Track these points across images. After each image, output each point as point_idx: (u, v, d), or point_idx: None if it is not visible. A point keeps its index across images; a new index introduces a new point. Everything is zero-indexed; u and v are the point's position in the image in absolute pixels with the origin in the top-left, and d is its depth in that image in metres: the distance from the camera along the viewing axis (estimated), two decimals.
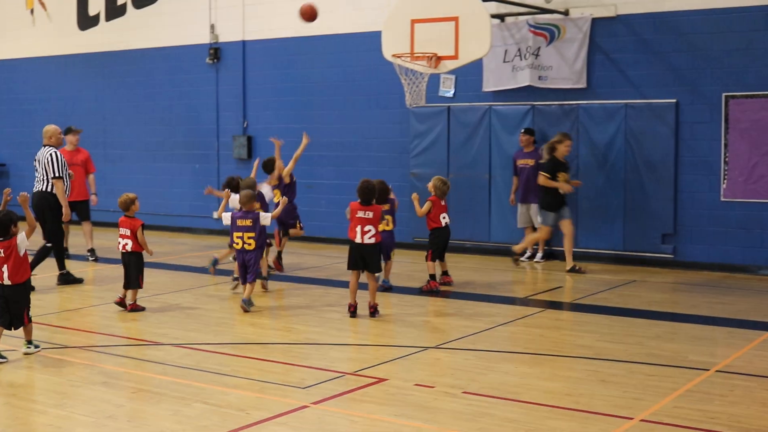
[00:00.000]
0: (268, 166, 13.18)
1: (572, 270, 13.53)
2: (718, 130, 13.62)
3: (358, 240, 10.51)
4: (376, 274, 10.74)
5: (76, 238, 15.72)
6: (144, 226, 11.04)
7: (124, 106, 19.94)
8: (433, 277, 12.31)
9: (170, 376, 8.06)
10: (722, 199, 13.65)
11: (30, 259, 9.10)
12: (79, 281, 12.88)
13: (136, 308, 10.93)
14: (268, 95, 17.93)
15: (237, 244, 11.05)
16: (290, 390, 7.62)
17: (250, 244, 10.98)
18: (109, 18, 19.98)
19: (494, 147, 15.35)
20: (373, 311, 10.53)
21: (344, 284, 12.05)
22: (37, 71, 21.34)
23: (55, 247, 12.64)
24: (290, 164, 13.03)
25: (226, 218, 11.18)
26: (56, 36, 20.87)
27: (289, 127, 17.58)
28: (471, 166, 15.52)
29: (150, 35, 19.31)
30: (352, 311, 10.57)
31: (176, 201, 19.14)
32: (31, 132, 21.05)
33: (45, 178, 12.49)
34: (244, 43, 18.10)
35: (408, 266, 14.08)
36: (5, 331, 8.76)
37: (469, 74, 15.14)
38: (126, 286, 11.00)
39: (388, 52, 13.45)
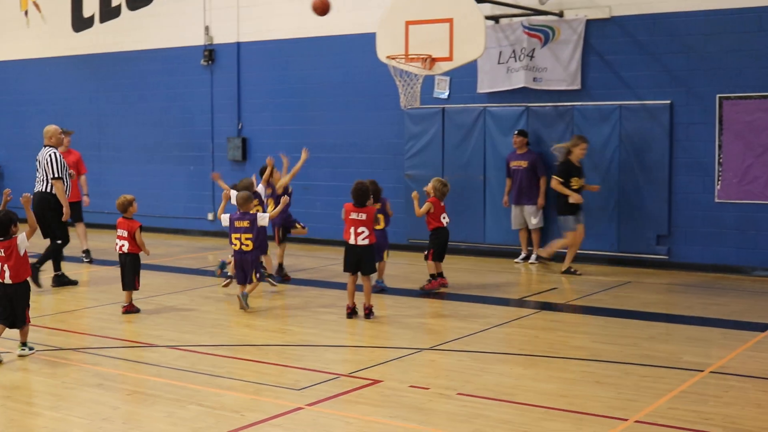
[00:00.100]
0: (264, 173, 13.10)
1: (567, 271, 13.54)
2: (712, 132, 13.64)
3: (351, 241, 10.55)
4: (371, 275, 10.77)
5: (70, 240, 15.66)
6: (141, 228, 11.07)
7: (119, 107, 19.93)
8: (434, 276, 12.33)
9: (165, 378, 8.06)
10: (716, 200, 13.67)
11: (33, 260, 9.10)
12: (74, 283, 12.87)
13: (131, 310, 10.91)
14: (262, 97, 17.92)
15: (235, 245, 11.10)
16: (285, 392, 7.62)
17: (247, 245, 11.01)
18: (103, 20, 19.96)
19: (489, 148, 15.36)
20: (369, 313, 10.54)
21: (340, 286, 12.07)
22: (31, 73, 21.31)
23: (62, 246, 12.72)
24: (287, 177, 12.74)
25: (225, 219, 11.23)
26: (51, 37, 20.84)
27: (284, 129, 17.60)
28: (466, 167, 15.53)
29: (144, 37, 19.30)
30: (350, 312, 10.58)
31: (171, 203, 19.12)
32: (26, 134, 21.06)
33: (45, 178, 12.50)
34: (238, 44, 18.10)
35: (403, 267, 14.08)
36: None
37: (464, 76, 15.14)
38: (123, 288, 11.04)
39: (382, 54, 13.45)
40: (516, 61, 14.96)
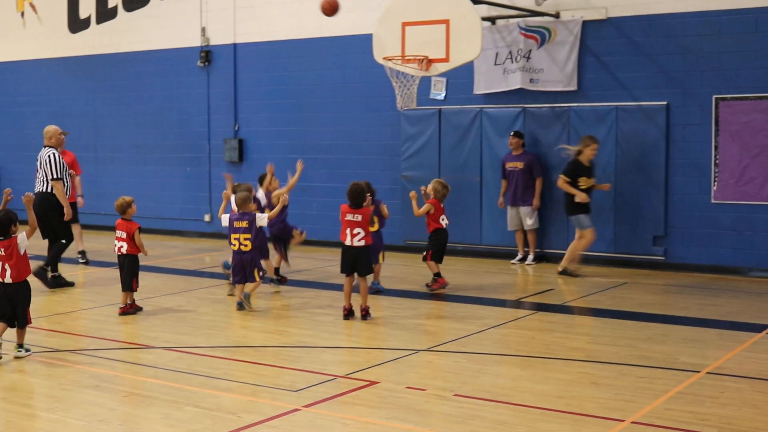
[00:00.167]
0: (262, 180, 13.01)
1: (563, 272, 13.53)
2: (708, 133, 13.66)
3: (348, 243, 10.56)
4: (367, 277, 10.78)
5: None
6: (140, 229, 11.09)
7: (115, 108, 19.91)
8: (438, 274, 12.33)
9: (162, 380, 8.06)
10: (713, 201, 13.68)
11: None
12: (71, 285, 12.86)
13: (127, 311, 10.90)
14: (259, 98, 17.92)
15: (234, 245, 11.12)
16: (282, 393, 7.62)
17: (246, 245, 11.03)
18: (99, 21, 19.95)
19: (485, 149, 15.36)
20: (365, 314, 10.54)
21: (336, 287, 12.08)
22: (27, 74, 21.29)
23: (67, 245, 12.76)
24: (283, 190, 12.40)
25: (225, 219, 11.28)
26: (47, 39, 20.83)
27: (280, 130, 17.60)
28: (462, 168, 15.53)
29: (141, 38, 19.29)
30: (346, 314, 10.58)
31: (167, 204, 19.11)
32: (23, 135, 21.05)
33: (45, 179, 12.51)
34: (235, 46, 18.09)
35: (400, 269, 14.09)
36: None
37: (460, 77, 15.15)
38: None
39: (379, 55, 13.46)
40: (512, 62, 14.97)
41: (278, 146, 17.55)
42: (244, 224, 11.05)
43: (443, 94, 15.78)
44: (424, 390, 7.67)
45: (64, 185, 12.54)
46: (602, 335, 9.84)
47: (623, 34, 14.24)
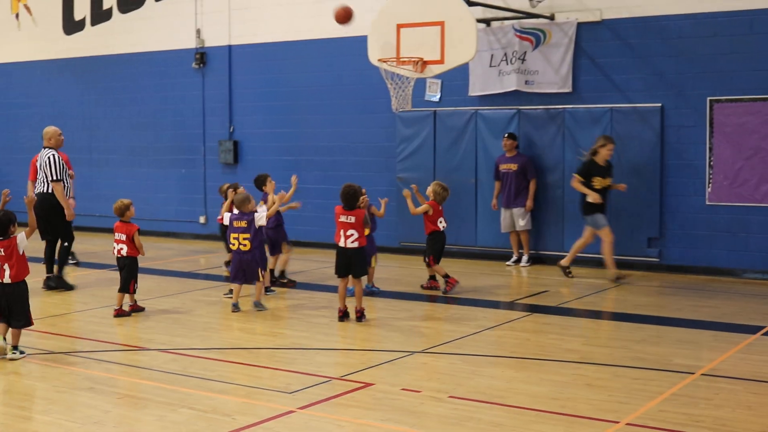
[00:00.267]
0: (259, 182, 12.94)
1: (564, 269, 13.48)
2: (703, 134, 13.68)
3: (342, 244, 10.57)
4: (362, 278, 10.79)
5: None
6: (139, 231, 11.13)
7: (110, 110, 19.90)
8: (447, 276, 12.32)
9: (156, 382, 8.05)
10: (707, 202, 13.71)
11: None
12: (70, 287, 12.86)
13: (121, 313, 10.90)
14: (254, 100, 17.91)
15: (233, 244, 11.17)
16: (277, 395, 7.62)
17: (245, 245, 11.08)
18: (94, 23, 19.93)
19: (480, 151, 15.37)
20: (360, 316, 10.54)
21: (331, 288, 12.08)
22: (22, 76, 21.26)
23: (70, 246, 12.82)
24: (273, 208, 12.25)
25: (227, 218, 11.35)
26: (42, 41, 20.80)
27: (275, 132, 17.60)
28: (457, 170, 15.53)
29: (136, 40, 19.28)
30: (341, 316, 10.58)
31: (162, 206, 19.09)
32: (18, 137, 21.03)
33: (46, 180, 12.51)
34: (230, 47, 18.08)
35: (395, 270, 14.09)
36: None
37: (456, 79, 15.16)
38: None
39: (374, 57, 13.45)
40: (507, 64, 14.98)
41: (273, 148, 17.55)
42: (243, 224, 11.12)
43: (438, 96, 15.79)
44: (419, 392, 7.67)
45: (65, 186, 12.55)
46: (597, 337, 9.85)
47: (618, 36, 14.26)
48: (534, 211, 14.78)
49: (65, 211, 12.51)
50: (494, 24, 15.10)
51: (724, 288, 12.82)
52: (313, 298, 12.13)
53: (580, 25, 14.47)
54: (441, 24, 12.72)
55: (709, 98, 13.58)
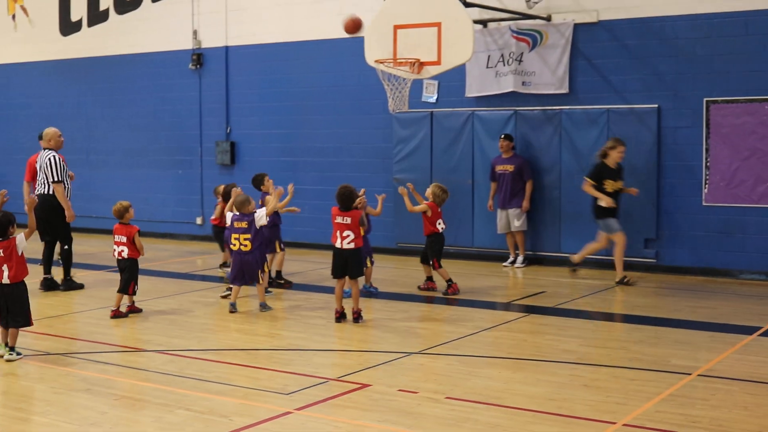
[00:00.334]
0: (257, 182, 12.93)
1: (573, 266, 13.64)
2: (699, 135, 13.69)
3: (338, 245, 10.57)
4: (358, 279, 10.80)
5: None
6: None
7: (107, 111, 19.89)
8: (450, 280, 12.31)
9: (153, 383, 8.05)
10: (704, 203, 13.72)
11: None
12: (68, 288, 12.86)
13: (118, 315, 10.91)
14: (251, 101, 17.91)
15: (234, 245, 11.20)
16: (274, 396, 7.62)
17: (246, 245, 11.12)
18: (91, 24, 19.92)
19: (477, 152, 15.38)
20: (357, 317, 10.55)
21: (328, 290, 12.08)
22: (19, 77, 21.25)
23: (70, 248, 12.82)
24: (272, 204, 12.19)
25: (229, 218, 11.40)
26: (38, 42, 20.78)
27: (272, 132, 17.59)
28: (454, 171, 15.53)
29: (133, 41, 19.26)
30: (338, 317, 10.59)
31: (159, 207, 19.08)
32: (14, 138, 21.01)
33: (46, 181, 12.51)
34: (226, 48, 18.08)
35: (391, 271, 14.09)
36: None
37: (452, 80, 15.16)
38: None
39: (371, 58, 13.44)
40: (504, 65, 14.98)
41: (270, 149, 17.55)
42: (244, 224, 11.17)
43: (435, 97, 15.79)
44: (416, 393, 7.67)
45: (65, 187, 12.55)
46: (594, 338, 9.85)
47: (615, 37, 14.27)
48: (530, 212, 14.78)
49: (66, 212, 12.52)
50: (491, 25, 15.11)
51: (720, 289, 12.83)
52: (310, 299, 12.13)
53: (577, 26, 14.48)
54: (438, 25, 12.72)
55: (705, 99, 13.60)
